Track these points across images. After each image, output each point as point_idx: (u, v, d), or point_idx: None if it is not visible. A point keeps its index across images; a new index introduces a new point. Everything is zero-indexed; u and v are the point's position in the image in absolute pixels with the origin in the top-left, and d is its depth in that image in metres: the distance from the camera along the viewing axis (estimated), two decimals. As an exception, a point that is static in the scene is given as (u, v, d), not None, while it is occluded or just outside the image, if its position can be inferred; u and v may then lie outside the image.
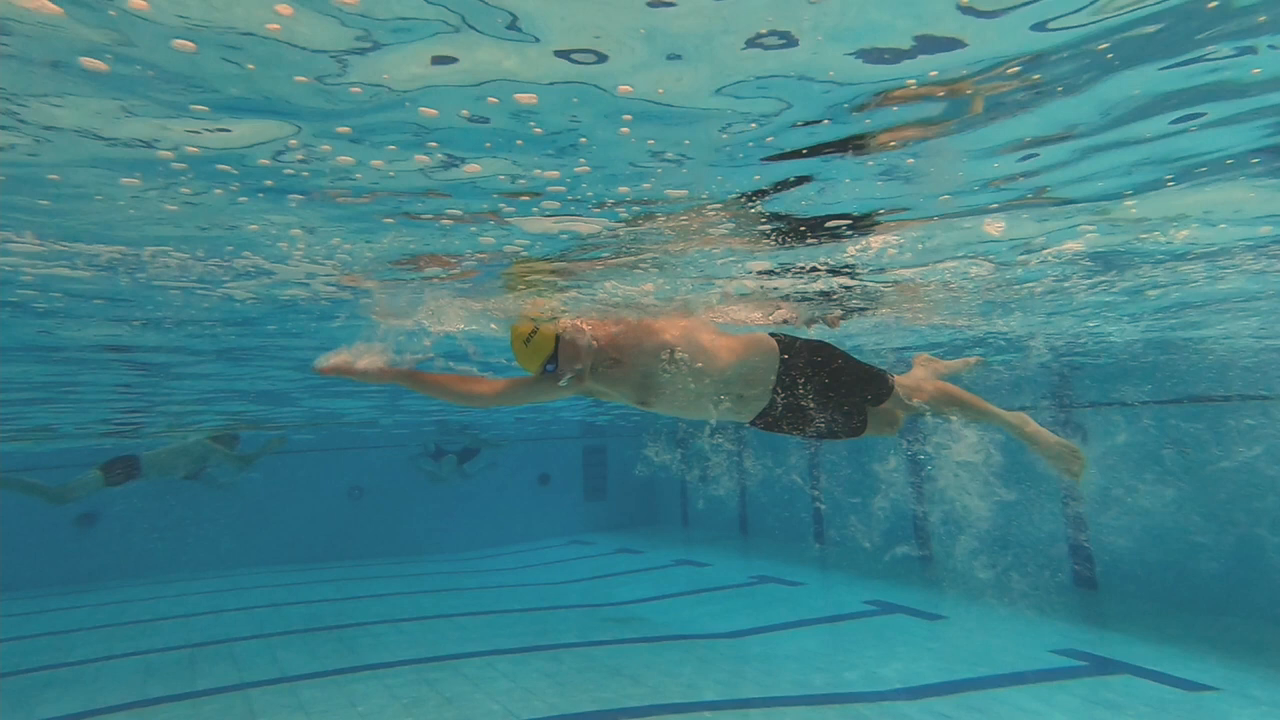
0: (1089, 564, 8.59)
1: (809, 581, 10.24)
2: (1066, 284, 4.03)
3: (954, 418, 3.34)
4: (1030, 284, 3.99)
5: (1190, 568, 7.48)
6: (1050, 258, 3.50)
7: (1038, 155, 2.28)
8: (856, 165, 2.29)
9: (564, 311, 3.80)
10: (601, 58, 1.59)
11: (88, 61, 1.53)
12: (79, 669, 7.19)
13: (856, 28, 1.53)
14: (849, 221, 2.85)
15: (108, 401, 7.25)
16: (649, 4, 1.42)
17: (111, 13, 1.38)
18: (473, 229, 2.71)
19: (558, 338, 2.84)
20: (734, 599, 9.46)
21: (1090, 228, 3.08)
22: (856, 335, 5.52)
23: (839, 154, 2.18)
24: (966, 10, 1.49)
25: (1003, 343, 6.27)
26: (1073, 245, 3.32)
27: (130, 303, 3.57)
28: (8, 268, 2.92)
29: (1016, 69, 1.73)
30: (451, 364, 3.26)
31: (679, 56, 1.61)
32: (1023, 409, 3.37)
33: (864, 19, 1.50)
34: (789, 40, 1.56)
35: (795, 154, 2.16)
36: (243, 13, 1.39)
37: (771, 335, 3.17)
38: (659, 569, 11.94)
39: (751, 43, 1.56)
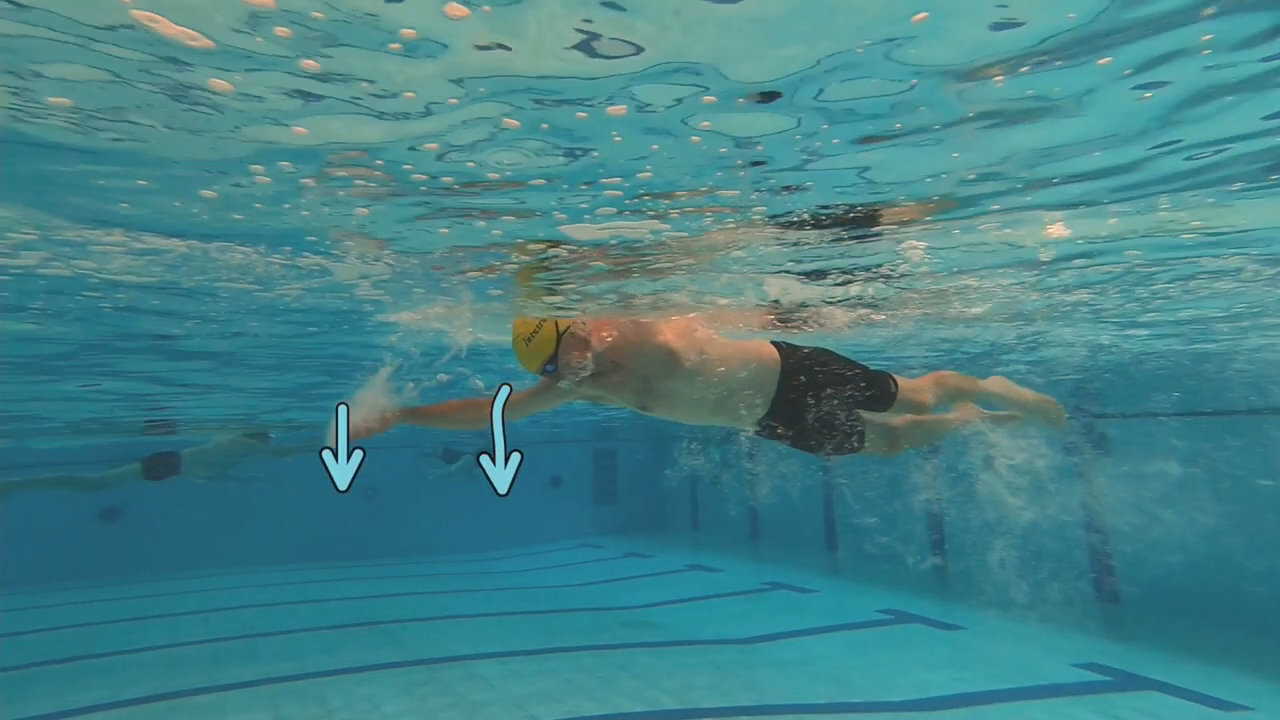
0: (1112, 576, 8.47)
1: (821, 589, 10.17)
2: (1111, 290, 3.98)
3: (957, 409, 3.42)
4: (1073, 290, 3.95)
5: (1219, 583, 7.35)
6: (1094, 264, 3.46)
7: (1097, 156, 2.22)
8: (911, 160, 2.25)
9: (573, 312, 3.78)
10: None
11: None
12: (105, 661, 7.23)
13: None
14: (888, 224, 2.82)
15: (147, 398, 7.32)
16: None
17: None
18: (520, 228, 2.68)
19: (559, 338, 2.80)
20: (746, 605, 9.40)
21: (1136, 234, 3.04)
22: (883, 343, 5.48)
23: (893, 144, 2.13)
24: None
25: (1033, 346, 6.20)
26: (1130, 252, 3.27)
27: (189, 296, 3.53)
28: (81, 270, 2.92)
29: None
30: (474, 374, 3.24)
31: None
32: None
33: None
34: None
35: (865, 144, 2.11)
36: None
37: (774, 344, 3.17)
38: (670, 573, 11.90)
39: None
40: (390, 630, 8.33)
